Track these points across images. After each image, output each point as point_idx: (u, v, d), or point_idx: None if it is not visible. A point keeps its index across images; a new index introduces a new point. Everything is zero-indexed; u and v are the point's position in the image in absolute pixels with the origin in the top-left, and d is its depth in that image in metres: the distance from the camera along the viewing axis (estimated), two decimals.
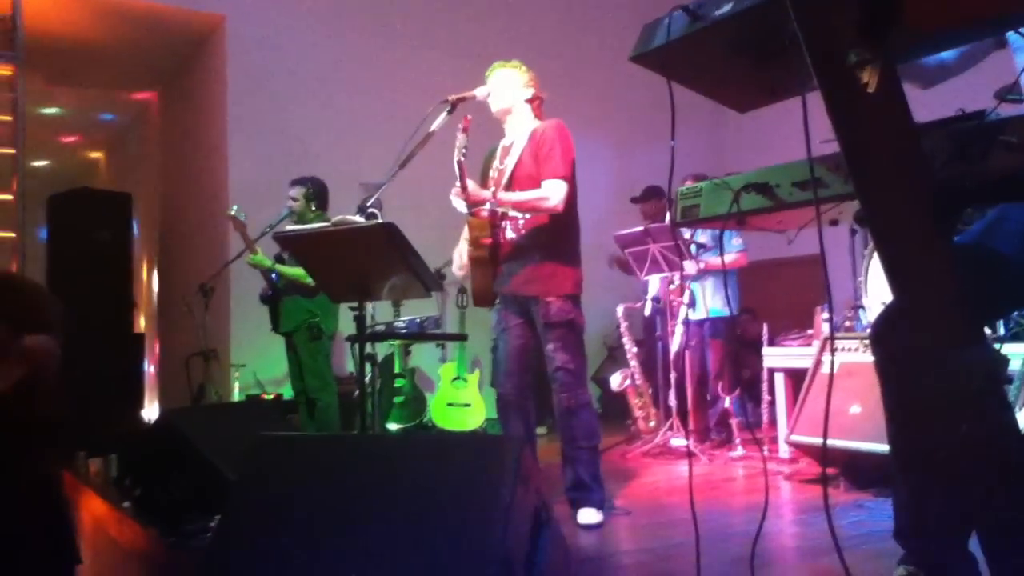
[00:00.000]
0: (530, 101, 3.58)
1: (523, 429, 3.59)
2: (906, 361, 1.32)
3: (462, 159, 3.29)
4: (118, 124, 11.22)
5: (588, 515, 3.40)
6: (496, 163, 3.58)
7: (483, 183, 3.63)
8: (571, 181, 3.42)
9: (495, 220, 3.50)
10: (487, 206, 3.45)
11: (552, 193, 3.36)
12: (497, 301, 3.61)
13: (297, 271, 4.81)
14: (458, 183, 3.31)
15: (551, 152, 3.40)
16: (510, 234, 3.49)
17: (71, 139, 11.59)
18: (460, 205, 3.39)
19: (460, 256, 3.72)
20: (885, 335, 1.62)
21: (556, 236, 3.46)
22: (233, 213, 5.10)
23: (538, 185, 3.39)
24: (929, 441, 1.35)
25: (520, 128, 3.57)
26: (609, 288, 6.61)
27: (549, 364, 3.46)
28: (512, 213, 3.46)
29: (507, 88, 3.54)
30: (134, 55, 8.43)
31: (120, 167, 11.94)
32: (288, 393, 5.79)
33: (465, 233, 3.62)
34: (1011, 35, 1.83)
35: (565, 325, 3.44)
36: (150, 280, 10.45)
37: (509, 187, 3.47)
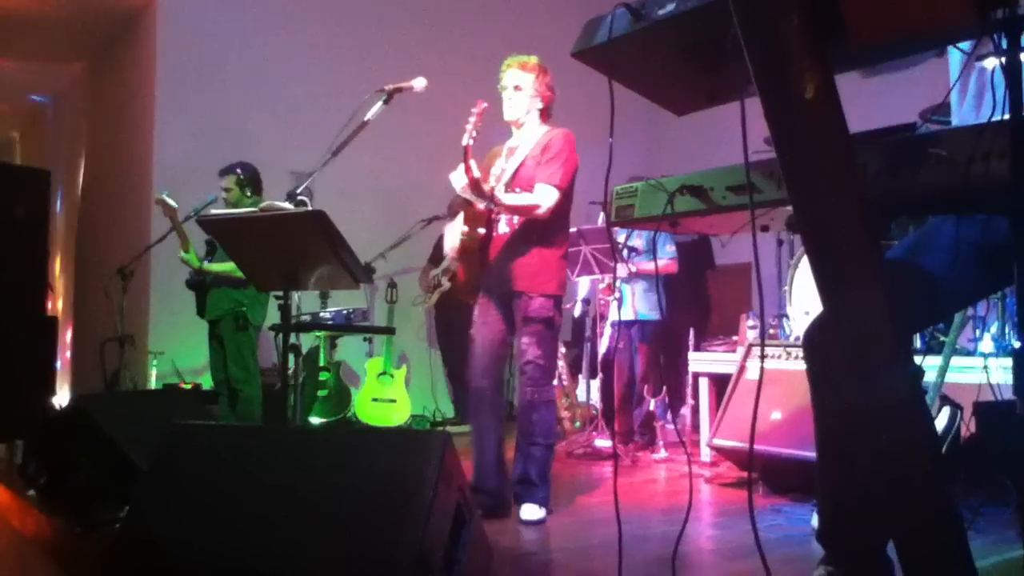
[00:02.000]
0: (542, 111, 3.57)
1: (496, 424, 3.58)
2: (834, 369, 1.33)
3: (470, 143, 3.22)
4: (40, 98, 10.80)
5: (530, 511, 3.41)
6: (501, 161, 3.57)
7: (484, 178, 3.60)
8: (568, 191, 3.47)
9: (490, 215, 3.49)
10: (483, 204, 3.39)
11: (543, 199, 3.38)
12: (480, 295, 3.60)
13: (227, 266, 4.68)
14: (463, 164, 3.23)
15: (554, 159, 3.42)
16: (503, 228, 3.51)
17: None
18: (459, 182, 3.29)
19: (454, 236, 3.65)
20: (816, 343, 1.64)
21: (546, 236, 3.49)
22: (163, 198, 4.92)
23: (534, 189, 3.41)
24: (852, 448, 1.37)
25: (529, 131, 3.57)
26: None
27: (520, 357, 3.48)
28: (492, 207, 3.44)
29: (523, 100, 3.51)
30: (60, 27, 8.14)
31: (41, 143, 11.50)
32: (208, 383, 5.64)
33: (460, 218, 3.58)
34: (952, 50, 1.87)
35: (544, 322, 3.46)
36: (68, 262, 10.09)
37: (509, 187, 3.46)
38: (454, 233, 3.62)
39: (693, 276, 6.92)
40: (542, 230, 3.47)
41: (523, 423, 3.51)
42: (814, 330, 1.68)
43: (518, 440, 3.54)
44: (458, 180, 3.30)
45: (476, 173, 3.24)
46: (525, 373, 3.47)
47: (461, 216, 3.58)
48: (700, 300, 7.33)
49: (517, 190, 3.42)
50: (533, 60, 3.54)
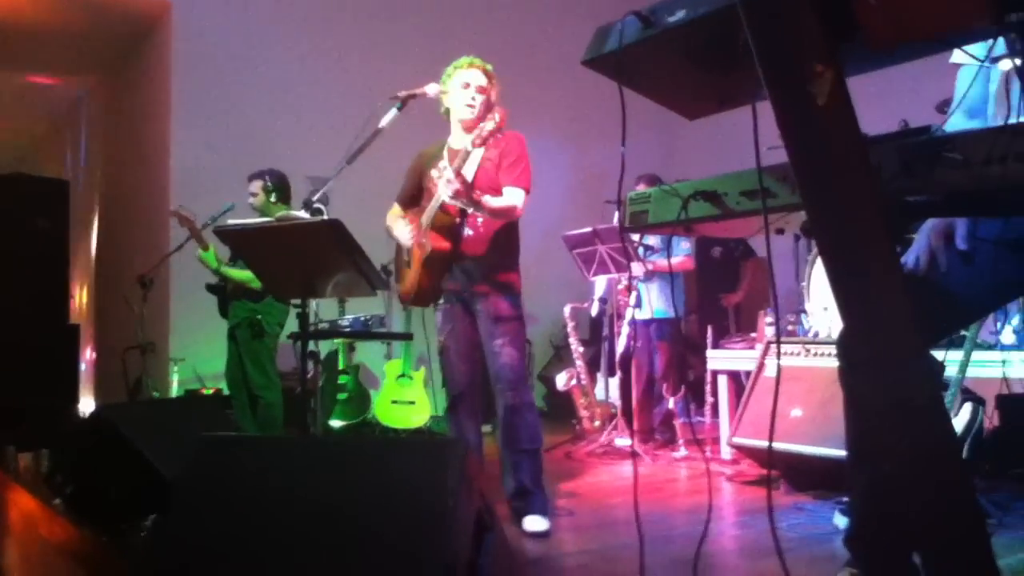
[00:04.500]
0: (492, 106, 3.46)
1: (475, 429, 3.56)
2: (862, 371, 1.32)
3: (473, 149, 3.20)
4: (58, 109, 10.90)
5: (535, 522, 3.33)
6: (443, 163, 3.43)
7: (419, 181, 3.57)
8: (528, 194, 3.42)
9: (461, 219, 3.41)
10: (470, 208, 3.31)
11: (518, 201, 3.36)
12: (442, 301, 3.56)
13: (245, 274, 4.69)
14: (452, 169, 3.17)
15: (517, 163, 3.38)
16: (467, 231, 3.43)
17: (6, 124, 11.22)
18: (447, 192, 3.19)
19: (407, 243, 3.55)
20: (846, 344, 1.63)
21: (508, 237, 3.47)
22: (178, 209, 4.95)
23: (499, 192, 3.36)
24: (880, 451, 1.37)
25: (471, 133, 3.37)
26: (557, 288, 6.63)
27: (493, 361, 3.41)
28: (473, 212, 3.38)
29: (485, 104, 3.43)
30: (77, 40, 8.21)
31: (60, 153, 11.61)
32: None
33: (409, 229, 3.48)
34: (958, 55, 1.86)
35: (514, 321, 3.43)
36: (88, 271, 10.18)
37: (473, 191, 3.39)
38: (406, 240, 3.52)
39: (730, 266, 6.85)
40: (504, 230, 3.43)
41: (507, 430, 3.43)
42: (846, 331, 1.67)
43: (504, 451, 3.46)
44: (447, 190, 3.18)
45: (468, 179, 3.21)
46: (502, 379, 3.40)
47: (406, 227, 3.50)
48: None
49: (476, 192, 3.30)
50: (490, 67, 3.48)
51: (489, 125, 3.15)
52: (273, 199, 5.00)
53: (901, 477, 1.24)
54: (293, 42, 7.32)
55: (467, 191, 3.16)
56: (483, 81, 3.42)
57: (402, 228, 3.55)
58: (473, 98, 3.40)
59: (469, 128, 3.39)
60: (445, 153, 3.50)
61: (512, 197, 3.35)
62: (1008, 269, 1.67)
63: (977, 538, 1.20)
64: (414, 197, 3.61)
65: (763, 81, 1.20)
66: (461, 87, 3.42)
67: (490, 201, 3.29)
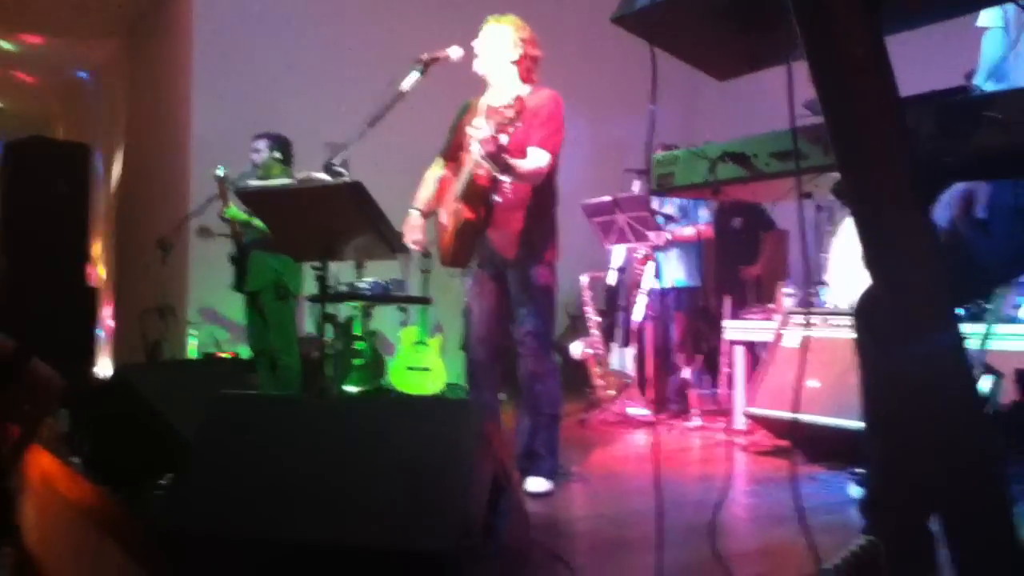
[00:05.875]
0: (517, 62, 3.42)
1: (492, 394, 3.57)
2: (885, 338, 1.32)
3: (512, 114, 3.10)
4: (80, 72, 10.90)
5: (537, 483, 3.38)
6: (480, 120, 3.36)
7: (457, 138, 3.53)
8: (557, 157, 3.37)
9: (493, 187, 3.34)
10: (494, 170, 3.20)
11: (543, 163, 3.30)
12: (474, 264, 3.54)
13: None
14: (488, 126, 3.12)
15: (547, 123, 3.32)
16: (497, 199, 3.38)
17: (29, 80, 11.22)
18: (478, 152, 3.16)
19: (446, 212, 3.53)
20: (867, 311, 1.63)
21: (539, 203, 3.42)
22: (221, 174, 4.94)
23: (525, 155, 3.29)
24: (900, 417, 1.36)
25: (506, 90, 3.37)
26: (573, 257, 6.60)
27: (519, 328, 3.42)
28: (501, 178, 3.32)
29: (492, 48, 3.40)
30: (98, 3, 8.18)
31: (80, 117, 11.63)
32: (245, 352, 5.71)
33: (452, 191, 3.45)
34: (983, 15, 1.84)
35: (543, 290, 3.42)
36: (108, 234, 10.23)
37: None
38: (446, 209, 3.49)
39: (750, 237, 6.77)
40: (536, 198, 3.40)
41: (528, 395, 3.47)
42: (866, 299, 1.66)
43: (524, 414, 3.50)
44: (482, 147, 3.11)
45: (504, 140, 3.07)
46: (524, 344, 3.41)
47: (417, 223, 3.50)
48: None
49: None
50: (509, 15, 3.44)
51: (509, 112, 3.06)
52: (276, 155, 5.05)
53: (925, 442, 1.24)
54: (313, 6, 7.27)
55: (499, 152, 3.09)
56: (490, 31, 3.41)
57: (412, 225, 3.51)
58: (477, 50, 3.41)
59: (492, 80, 3.43)
60: (483, 109, 3.44)
61: (536, 158, 3.29)
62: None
63: (1000, 504, 1.20)
64: (454, 150, 3.56)
65: (800, 39, 1.18)
66: (480, 47, 3.42)
67: (520, 164, 3.23)
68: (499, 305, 3.50)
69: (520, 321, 3.42)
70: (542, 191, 3.42)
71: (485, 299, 3.51)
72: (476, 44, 3.42)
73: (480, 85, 3.53)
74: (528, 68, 3.45)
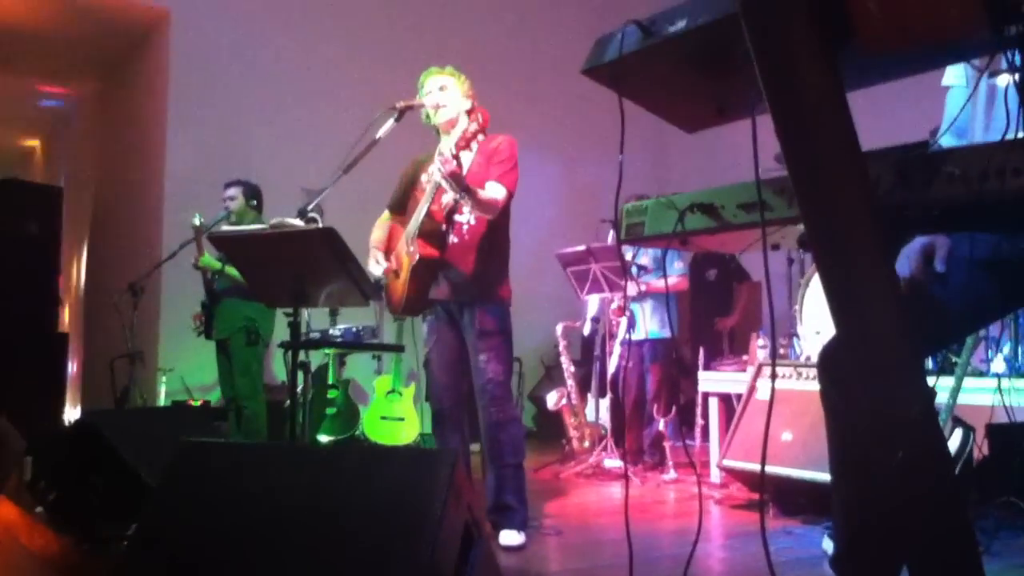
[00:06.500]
0: (469, 112, 3.49)
1: (458, 441, 3.53)
2: (850, 388, 1.32)
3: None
4: (54, 114, 10.90)
5: (510, 537, 3.33)
6: (432, 167, 3.35)
7: (410, 190, 3.55)
8: (511, 196, 3.40)
9: (447, 225, 3.39)
10: (457, 197, 3.25)
11: (500, 196, 3.33)
12: (428, 312, 3.54)
13: None
14: (448, 156, 3.19)
15: (505, 162, 3.38)
16: (452, 239, 3.41)
17: (2, 128, 11.21)
18: (439, 172, 3.16)
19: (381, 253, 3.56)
20: (831, 361, 1.63)
21: (494, 245, 3.44)
22: (198, 223, 4.93)
23: (485, 188, 3.33)
24: (867, 469, 1.36)
25: (460, 135, 3.43)
26: (549, 306, 6.62)
27: (479, 376, 3.40)
28: (457, 219, 3.37)
29: (453, 98, 3.46)
30: (73, 47, 8.22)
31: (54, 158, 11.60)
32: (216, 399, 5.64)
33: (405, 234, 3.43)
34: (948, 74, 1.89)
35: (501, 333, 3.42)
36: (78, 277, 10.13)
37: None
38: (375, 269, 3.51)
39: (724, 289, 6.83)
40: (490, 237, 3.42)
41: (491, 444, 3.44)
42: (829, 349, 1.67)
43: (488, 465, 3.46)
44: (445, 166, 3.14)
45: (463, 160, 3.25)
46: (487, 393, 3.39)
47: (379, 259, 3.52)
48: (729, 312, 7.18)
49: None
50: (450, 68, 3.52)
51: (472, 127, 3.30)
52: (252, 204, 5.07)
53: (892, 491, 1.23)
54: (290, 51, 7.35)
55: (458, 176, 3.14)
56: (441, 81, 3.47)
57: (375, 255, 3.53)
58: (438, 99, 3.44)
59: (448, 128, 3.48)
60: (437, 158, 3.42)
61: (494, 191, 3.33)
62: (983, 288, 1.68)
63: (968, 555, 1.19)
64: (404, 203, 3.59)
65: (762, 90, 1.20)
66: (427, 96, 3.47)
67: (478, 191, 3.26)
68: (459, 350, 3.49)
69: (480, 369, 3.40)
70: (495, 231, 3.44)
71: (444, 347, 3.51)
72: (431, 97, 3.45)
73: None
74: (482, 116, 3.50)
